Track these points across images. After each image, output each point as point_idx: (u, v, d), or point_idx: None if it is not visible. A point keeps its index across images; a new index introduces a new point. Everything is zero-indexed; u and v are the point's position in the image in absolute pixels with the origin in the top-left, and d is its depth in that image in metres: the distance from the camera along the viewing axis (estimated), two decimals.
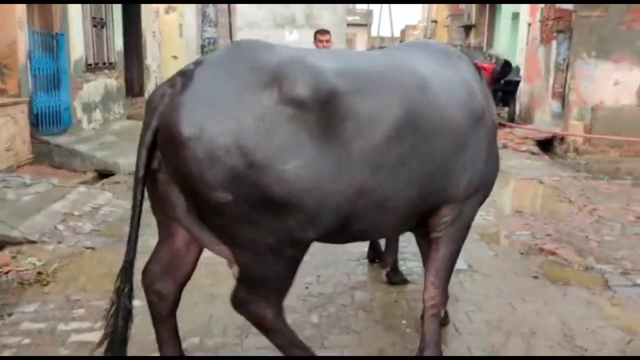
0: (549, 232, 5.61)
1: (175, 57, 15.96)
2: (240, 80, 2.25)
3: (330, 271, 4.47)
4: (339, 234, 2.59)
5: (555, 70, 12.51)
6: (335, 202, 2.37)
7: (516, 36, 17.76)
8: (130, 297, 2.49)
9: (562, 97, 11.26)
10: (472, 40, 29.55)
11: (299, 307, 3.82)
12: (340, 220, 2.46)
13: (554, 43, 12.12)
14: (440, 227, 2.95)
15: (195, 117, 2.18)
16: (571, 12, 10.88)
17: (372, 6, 41.39)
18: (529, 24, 15.03)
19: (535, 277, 4.43)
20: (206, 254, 2.68)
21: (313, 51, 2.96)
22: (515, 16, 18.13)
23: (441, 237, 2.98)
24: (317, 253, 4.77)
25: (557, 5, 11.62)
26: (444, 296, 3.13)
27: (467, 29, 31.94)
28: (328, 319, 3.69)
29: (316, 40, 6.40)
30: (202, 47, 9.66)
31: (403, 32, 58.57)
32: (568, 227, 5.81)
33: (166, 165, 2.33)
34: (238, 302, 2.52)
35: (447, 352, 3.21)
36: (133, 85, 12.40)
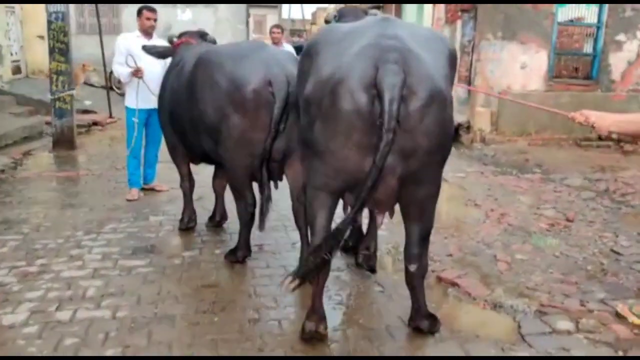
0: (450, 251, 4.59)
1: (42, 37, 13.89)
2: (436, 50, 3.00)
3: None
4: None
5: (461, 52, 11.57)
6: None
7: (422, 16, 16.95)
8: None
9: (468, 82, 10.42)
10: None
11: None
12: None
13: (458, 23, 11.27)
14: None
15: (438, 83, 2.79)
16: None
17: None
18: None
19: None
20: None
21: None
22: None
23: None
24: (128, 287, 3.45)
25: None
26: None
27: (376, 8, 31.30)
28: None
29: (271, 32, 7.78)
30: (49, 22, 7.98)
31: (314, 14, 57.39)
32: (473, 242, 4.83)
33: (413, 127, 2.67)
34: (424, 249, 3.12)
35: None
36: None
